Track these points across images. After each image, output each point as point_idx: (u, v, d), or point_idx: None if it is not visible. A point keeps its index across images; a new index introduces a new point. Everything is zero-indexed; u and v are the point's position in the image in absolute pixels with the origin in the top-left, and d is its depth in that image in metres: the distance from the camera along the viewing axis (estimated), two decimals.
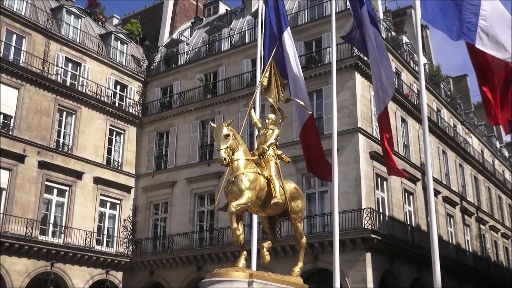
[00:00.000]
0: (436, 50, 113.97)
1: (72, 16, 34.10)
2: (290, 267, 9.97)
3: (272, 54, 11.33)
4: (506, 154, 57.48)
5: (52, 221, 30.07)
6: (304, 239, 10.12)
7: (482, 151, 45.67)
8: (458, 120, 41.65)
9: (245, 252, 9.07)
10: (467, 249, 36.47)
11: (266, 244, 9.65)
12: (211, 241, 30.59)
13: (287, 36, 13.86)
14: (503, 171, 51.02)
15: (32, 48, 30.83)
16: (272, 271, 10.30)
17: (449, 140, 36.70)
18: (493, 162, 48.16)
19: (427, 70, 37.88)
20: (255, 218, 13.34)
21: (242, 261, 8.86)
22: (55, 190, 30.43)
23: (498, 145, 54.29)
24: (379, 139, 13.49)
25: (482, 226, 40.10)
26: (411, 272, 28.26)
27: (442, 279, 10.53)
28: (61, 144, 31.47)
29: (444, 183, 34.80)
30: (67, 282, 29.57)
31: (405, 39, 35.64)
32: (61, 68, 32.18)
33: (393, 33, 34.47)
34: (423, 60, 14.67)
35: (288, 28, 14.12)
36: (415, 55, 35.06)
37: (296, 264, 9.94)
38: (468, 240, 37.16)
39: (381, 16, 33.27)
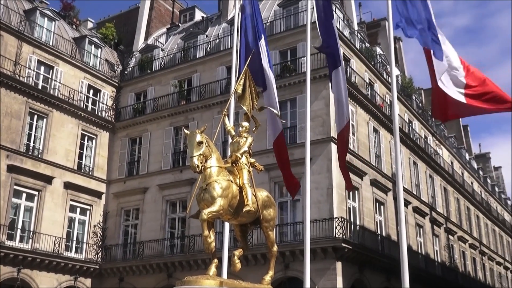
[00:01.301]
0: (412, 62, 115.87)
1: (46, 18, 33.71)
2: (261, 275, 9.96)
3: (247, 62, 11.36)
4: (475, 166, 58.52)
5: (20, 226, 29.53)
6: (275, 248, 10.11)
7: (452, 163, 46.40)
8: (429, 131, 42.28)
9: (216, 260, 9.03)
10: (436, 259, 36.93)
11: (237, 252, 9.63)
12: (182, 249, 30.41)
13: (263, 46, 13.91)
14: (471, 183, 51.89)
15: (4, 49, 30.34)
16: (243, 279, 10.27)
17: (420, 151, 37.21)
18: (462, 173, 48.96)
19: (399, 82, 38.43)
20: (226, 226, 13.33)
21: (213, 269, 8.82)
22: (24, 195, 29.92)
23: (467, 157, 55.26)
24: (340, 152, 14.07)
25: (450, 237, 40.68)
26: (381, 281, 28.49)
27: None
28: (31, 147, 30.99)
29: (415, 193, 35.23)
30: None
31: (378, 50, 36.14)
32: (33, 71, 31.76)
33: (367, 44, 34.92)
34: (395, 71, 14.90)
35: (262, 39, 14.13)
36: (388, 66, 35.53)
37: (267, 272, 9.93)
38: (436, 250, 37.64)
39: (356, 27, 33.67)
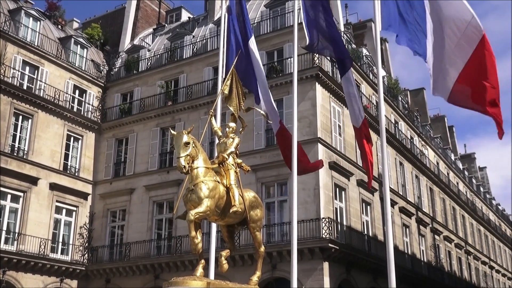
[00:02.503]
0: (400, 64, 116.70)
1: (31, 18, 33.45)
2: (248, 276, 9.96)
3: (234, 63, 11.35)
4: (461, 166, 58.95)
5: (5, 227, 29.25)
6: (262, 248, 10.11)
7: (437, 163, 46.71)
8: (415, 132, 42.53)
9: (203, 261, 9.01)
10: (422, 259, 37.15)
11: (225, 253, 9.62)
12: (169, 250, 30.31)
13: (253, 45, 13.94)
14: (457, 183, 52.26)
15: None
16: (230, 280, 10.27)
17: (406, 151, 37.41)
18: (448, 174, 49.29)
19: (385, 83, 38.60)
20: (213, 226, 13.31)
21: (199, 270, 8.81)
22: (9, 196, 29.64)
23: (453, 157, 55.64)
24: (361, 152, 13.64)
25: (436, 237, 40.95)
26: (368, 281, 28.60)
27: None
28: (16, 148, 30.73)
29: (401, 193, 35.42)
30: None
31: (365, 51, 36.26)
32: (18, 71, 31.49)
33: (353, 46, 35.03)
34: (382, 72, 14.89)
35: (253, 37, 14.20)
36: (374, 67, 35.68)
37: (254, 273, 9.93)
38: (423, 250, 37.87)
39: (342, 28, 33.77)
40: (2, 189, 29.20)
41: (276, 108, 13.90)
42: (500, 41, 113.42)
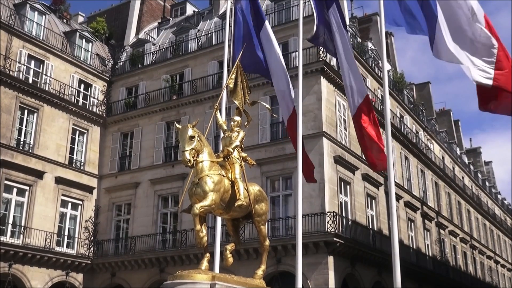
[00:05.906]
0: (410, 60, 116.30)
1: (36, 12, 33.47)
2: (253, 269, 9.97)
3: (239, 57, 11.33)
4: (466, 160, 58.78)
5: (11, 221, 29.38)
6: (267, 242, 10.13)
7: (443, 157, 46.58)
8: (420, 126, 42.41)
9: (208, 255, 9.04)
10: (427, 253, 37.11)
11: (230, 247, 9.63)
12: (174, 243, 30.39)
13: (269, 30, 13.95)
14: (462, 177, 52.13)
15: None
16: (235, 274, 10.28)
17: (411, 146, 37.33)
18: (453, 168, 49.16)
19: (391, 77, 38.49)
20: (218, 220, 13.33)
21: (205, 264, 8.83)
22: (15, 190, 29.76)
23: (458, 151, 55.48)
24: (358, 138, 13.03)
25: (441, 231, 40.88)
26: (372, 276, 28.61)
27: (402, 283, 10.69)
28: (22, 142, 30.82)
29: (406, 188, 35.36)
30: (25, 283, 28.94)
31: (370, 45, 36.15)
32: (24, 65, 31.54)
33: (359, 39, 34.93)
34: (387, 66, 14.76)
35: (266, 21, 14.19)
36: (379, 61, 35.55)
37: (259, 266, 9.95)
38: (428, 245, 37.82)
39: (347, 22, 33.63)
40: (8, 182, 29.31)
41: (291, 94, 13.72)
42: (508, 37, 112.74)
